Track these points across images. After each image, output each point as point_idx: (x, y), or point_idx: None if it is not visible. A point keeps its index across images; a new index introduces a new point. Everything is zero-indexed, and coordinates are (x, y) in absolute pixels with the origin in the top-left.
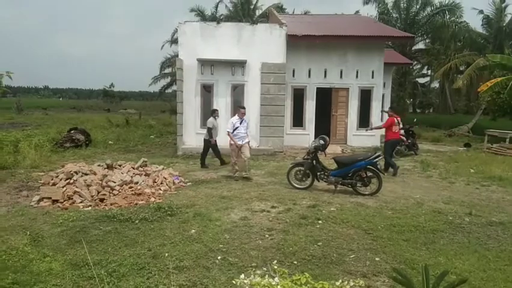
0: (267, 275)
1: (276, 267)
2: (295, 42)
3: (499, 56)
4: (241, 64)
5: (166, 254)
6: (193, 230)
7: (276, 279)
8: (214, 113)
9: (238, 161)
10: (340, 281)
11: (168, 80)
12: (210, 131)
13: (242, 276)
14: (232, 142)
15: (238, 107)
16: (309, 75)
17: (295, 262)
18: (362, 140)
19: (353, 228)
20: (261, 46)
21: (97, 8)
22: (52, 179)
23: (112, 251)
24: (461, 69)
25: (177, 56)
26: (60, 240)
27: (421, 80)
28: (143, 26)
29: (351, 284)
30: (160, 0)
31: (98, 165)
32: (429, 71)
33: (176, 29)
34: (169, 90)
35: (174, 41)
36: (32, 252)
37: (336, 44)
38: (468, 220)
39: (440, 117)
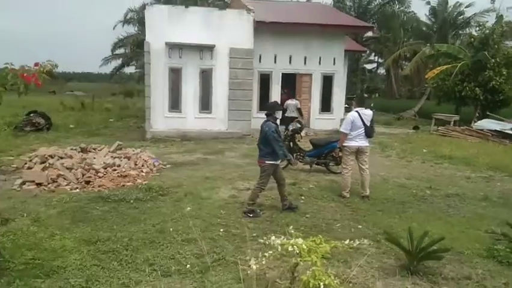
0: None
1: (293, 231)
2: (262, 29)
3: (445, 46)
4: (210, 48)
5: (171, 229)
6: (189, 208)
7: (300, 239)
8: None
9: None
10: (348, 240)
11: (120, 61)
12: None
13: (273, 237)
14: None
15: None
16: (275, 61)
17: (290, 232)
18: (324, 123)
19: (333, 202)
20: (229, 31)
21: None
22: (26, 163)
23: (118, 228)
24: (407, 56)
25: (132, 36)
26: (63, 220)
27: (368, 66)
28: (87, 4)
29: (357, 242)
30: None
31: (72, 149)
32: (376, 58)
33: (129, 10)
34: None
35: (127, 21)
36: (38, 231)
37: (301, 31)
38: (429, 193)
39: (387, 102)
